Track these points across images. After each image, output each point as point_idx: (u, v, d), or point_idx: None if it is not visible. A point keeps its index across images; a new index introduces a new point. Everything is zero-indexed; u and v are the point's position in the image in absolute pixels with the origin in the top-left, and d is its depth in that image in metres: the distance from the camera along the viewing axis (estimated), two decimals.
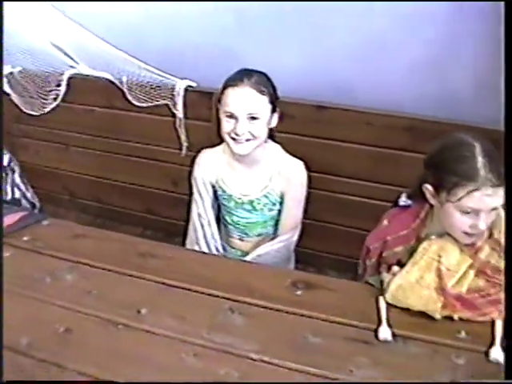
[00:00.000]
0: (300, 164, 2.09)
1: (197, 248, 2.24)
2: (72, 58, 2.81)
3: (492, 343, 1.61)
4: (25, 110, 2.92)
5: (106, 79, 2.81)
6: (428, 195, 1.67)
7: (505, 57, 1.34)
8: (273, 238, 2.22)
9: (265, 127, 1.99)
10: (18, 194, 2.38)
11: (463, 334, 1.65)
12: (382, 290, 1.74)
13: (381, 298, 1.71)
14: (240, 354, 1.59)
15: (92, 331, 1.66)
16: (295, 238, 2.21)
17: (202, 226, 2.22)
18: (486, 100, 2.57)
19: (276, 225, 2.22)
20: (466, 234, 1.64)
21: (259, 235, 2.24)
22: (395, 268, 1.72)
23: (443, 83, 2.63)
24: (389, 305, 1.71)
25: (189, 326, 1.68)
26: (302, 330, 1.66)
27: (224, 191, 2.15)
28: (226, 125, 1.96)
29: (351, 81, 2.70)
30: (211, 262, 1.99)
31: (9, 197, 2.34)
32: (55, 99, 2.88)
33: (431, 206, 1.71)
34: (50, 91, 2.86)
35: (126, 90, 2.78)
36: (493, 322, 1.67)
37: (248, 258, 2.19)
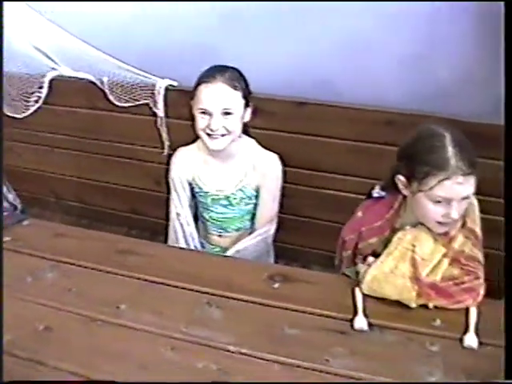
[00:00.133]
0: (275, 157, 2.11)
1: None
2: (53, 60, 2.81)
3: (466, 330, 1.62)
4: (7, 113, 2.92)
5: (88, 80, 2.81)
6: (400, 186, 1.69)
7: (505, 56, 1.36)
8: (250, 233, 2.23)
9: (239, 122, 2.01)
10: None
11: (438, 321, 1.67)
12: (358, 281, 1.75)
13: (357, 289, 1.73)
14: (218, 346, 1.61)
15: (72, 328, 1.67)
16: (272, 231, 2.23)
17: (181, 225, 2.23)
18: (470, 95, 2.60)
19: (253, 219, 2.24)
20: (439, 223, 1.65)
21: (237, 230, 2.26)
22: (370, 259, 1.74)
23: (428, 79, 2.65)
24: (365, 295, 1.73)
25: (167, 320, 1.69)
26: (279, 322, 1.68)
27: (200, 188, 2.17)
28: (201, 121, 1.98)
29: (336, 78, 2.72)
30: (190, 257, 2.01)
31: None
32: (37, 101, 2.87)
33: (404, 196, 1.73)
34: (32, 93, 2.87)
35: (107, 91, 2.79)
36: (467, 310, 1.68)
37: (227, 255, 2.19)
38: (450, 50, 2.57)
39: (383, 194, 1.79)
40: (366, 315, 1.67)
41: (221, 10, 2.75)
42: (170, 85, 2.73)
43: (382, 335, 1.63)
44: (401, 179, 1.67)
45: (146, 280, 1.84)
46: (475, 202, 1.77)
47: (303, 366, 1.55)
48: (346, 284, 1.79)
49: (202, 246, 2.33)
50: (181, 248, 2.19)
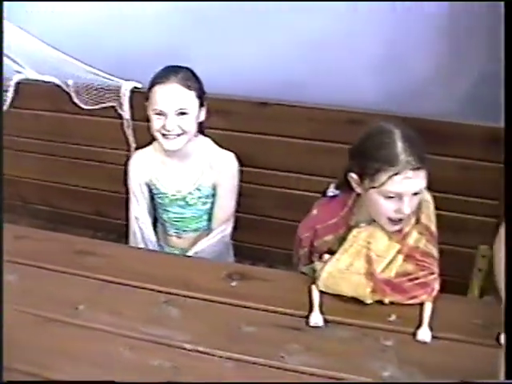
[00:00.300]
0: (231, 156, 2.13)
1: None
2: (18, 63, 2.80)
3: (420, 324, 1.64)
4: None
5: (53, 83, 2.80)
6: (353, 184, 1.71)
7: (505, 56, 1.38)
8: (208, 233, 2.23)
9: (194, 122, 2.02)
10: None
11: (393, 317, 1.69)
12: (314, 279, 1.76)
13: (313, 286, 1.75)
14: (174, 345, 1.62)
15: (31, 330, 1.67)
16: (229, 229, 2.25)
17: (140, 228, 2.24)
18: (436, 94, 2.63)
19: (211, 219, 2.24)
20: (391, 220, 1.67)
21: (195, 230, 2.26)
22: (326, 256, 1.75)
23: (395, 79, 2.67)
24: (321, 292, 1.74)
25: (125, 320, 1.70)
26: (236, 319, 1.69)
27: (158, 189, 2.18)
28: (156, 122, 1.98)
29: (303, 79, 2.73)
30: (149, 257, 2.02)
31: None
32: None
33: (358, 194, 1.74)
34: None
35: (72, 94, 2.79)
36: (422, 305, 1.70)
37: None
38: (417, 51, 2.60)
39: (337, 192, 1.80)
40: (321, 312, 1.68)
41: (186, 11, 2.76)
42: (135, 87, 2.73)
43: (337, 331, 1.65)
44: (353, 177, 1.69)
45: (104, 280, 1.84)
46: (430, 199, 1.79)
47: (258, 363, 1.56)
48: (303, 281, 1.80)
49: (162, 249, 2.31)
50: (139, 248, 2.18)
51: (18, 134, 3.12)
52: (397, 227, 1.70)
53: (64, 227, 3.09)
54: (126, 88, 2.70)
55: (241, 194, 2.65)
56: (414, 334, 1.63)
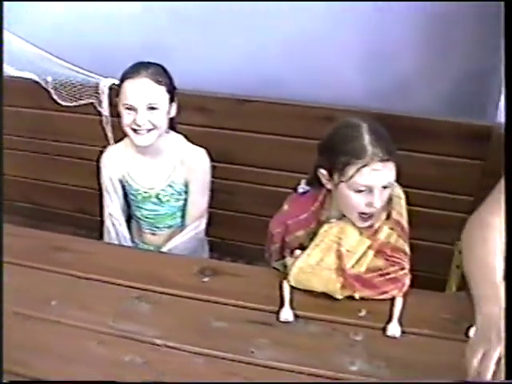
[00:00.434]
0: (202, 152, 2.13)
1: None
2: None
3: (390, 319, 1.65)
4: None
5: (32, 80, 2.80)
6: (323, 180, 1.71)
7: (505, 56, 1.38)
8: (182, 230, 2.23)
9: (164, 117, 2.03)
10: None
11: (364, 312, 1.70)
12: (286, 274, 1.76)
13: (285, 282, 1.75)
14: (144, 340, 1.62)
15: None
16: (203, 226, 2.25)
17: (114, 225, 2.24)
18: (419, 92, 2.64)
19: (184, 216, 2.24)
20: (362, 216, 1.68)
21: (169, 227, 2.27)
22: (297, 252, 1.76)
23: (378, 76, 2.69)
24: (293, 288, 1.75)
25: (96, 315, 1.70)
26: (207, 315, 1.69)
27: (130, 186, 2.18)
28: (126, 117, 1.99)
29: (284, 77, 2.74)
30: (122, 253, 2.02)
31: None
32: None
33: (329, 190, 1.75)
34: None
35: (51, 90, 2.78)
36: (393, 300, 1.71)
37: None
38: (399, 48, 2.61)
39: (307, 188, 1.81)
40: (292, 307, 1.68)
41: (167, 9, 2.76)
42: (114, 84, 2.73)
43: (307, 326, 1.65)
44: (323, 173, 1.69)
45: (77, 276, 1.84)
46: (401, 195, 1.79)
47: (228, 358, 1.56)
48: (275, 277, 1.80)
49: (136, 246, 2.31)
50: (114, 244, 2.19)
51: None
52: (367, 223, 1.71)
53: (46, 224, 3.09)
54: (104, 85, 2.70)
55: (220, 191, 2.68)
56: (384, 329, 1.63)
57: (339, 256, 1.70)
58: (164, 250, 2.20)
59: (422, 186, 2.54)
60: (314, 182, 1.76)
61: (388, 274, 1.71)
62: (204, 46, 2.79)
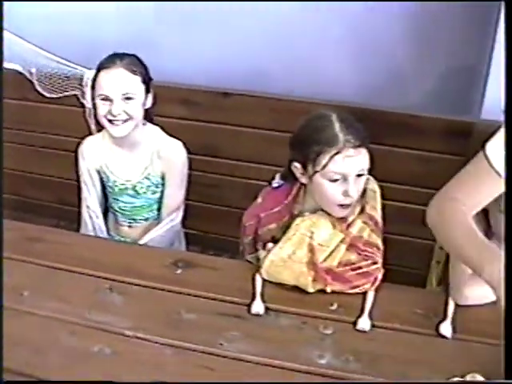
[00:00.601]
0: (179, 144, 2.13)
1: None
2: None
3: (361, 313, 1.64)
4: None
5: (16, 71, 2.79)
6: (298, 174, 1.71)
7: (505, 57, 1.38)
8: (159, 223, 2.23)
9: (140, 107, 2.03)
10: None
11: (335, 306, 1.69)
12: (258, 267, 1.76)
13: (257, 275, 1.75)
14: (114, 331, 1.62)
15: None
16: (179, 218, 2.24)
17: (91, 217, 2.24)
18: (405, 88, 2.64)
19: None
20: (339, 205, 1.68)
21: (146, 220, 2.27)
22: (270, 245, 1.76)
23: (364, 71, 2.69)
24: (265, 281, 1.74)
25: (68, 306, 1.69)
26: (178, 306, 1.69)
27: (108, 177, 2.17)
28: (102, 108, 1.98)
29: (270, 71, 2.73)
30: (97, 245, 2.02)
31: None
32: None
33: (303, 184, 1.75)
34: None
35: (35, 82, 2.77)
36: (365, 294, 1.70)
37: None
38: (385, 44, 2.61)
39: (281, 182, 1.80)
40: (263, 300, 1.68)
41: (154, 2, 2.75)
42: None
43: (278, 319, 1.65)
44: (296, 166, 1.69)
45: (50, 267, 1.84)
46: (377, 189, 1.79)
47: (197, 350, 1.56)
48: (248, 270, 1.80)
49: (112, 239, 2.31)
50: (89, 236, 2.18)
51: None
52: (346, 212, 1.71)
53: (29, 216, 3.08)
54: (88, 77, 2.68)
55: (204, 184, 2.68)
56: (355, 323, 1.63)
57: (311, 249, 1.69)
58: (141, 242, 2.19)
59: (404, 182, 2.54)
60: (288, 176, 1.76)
61: (360, 268, 1.70)
62: (189, 38, 2.79)
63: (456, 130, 2.45)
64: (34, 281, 1.79)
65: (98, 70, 2.00)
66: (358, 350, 1.56)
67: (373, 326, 1.63)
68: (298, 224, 1.73)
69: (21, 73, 2.79)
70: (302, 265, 1.69)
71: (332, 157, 1.62)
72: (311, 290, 1.70)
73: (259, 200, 1.83)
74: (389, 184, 2.52)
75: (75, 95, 2.75)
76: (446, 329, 1.61)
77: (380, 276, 1.73)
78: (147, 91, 2.03)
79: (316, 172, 1.65)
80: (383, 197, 2.25)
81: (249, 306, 1.68)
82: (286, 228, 1.75)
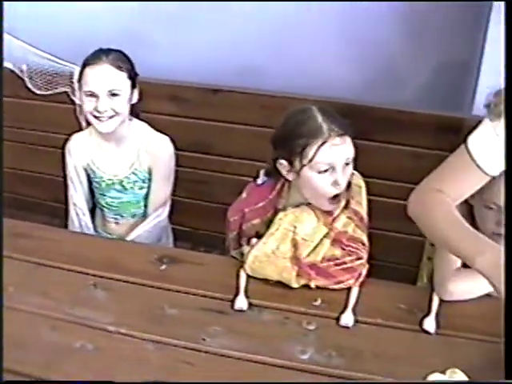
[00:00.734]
0: (165, 139, 2.13)
1: None
2: None
3: (344, 309, 1.64)
4: None
5: (8, 69, 2.79)
6: (284, 172, 1.70)
7: (505, 57, 1.38)
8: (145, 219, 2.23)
9: (126, 103, 2.03)
10: None
11: (319, 301, 1.69)
12: (243, 262, 1.75)
13: (241, 270, 1.75)
14: (97, 326, 1.62)
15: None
16: (165, 214, 2.24)
17: (77, 215, 2.24)
18: (396, 83, 2.64)
19: None
20: (330, 198, 1.69)
21: (133, 216, 2.27)
22: (253, 240, 1.75)
23: (356, 67, 2.69)
24: (249, 276, 1.74)
25: (52, 301, 1.70)
26: (161, 302, 1.69)
27: (94, 173, 2.17)
28: (88, 104, 1.98)
29: (262, 67, 2.73)
30: (83, 241, 2.02)
31: None
32: None
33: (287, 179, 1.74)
34: None
35: (26, 79, 2.77)
36: (349, 289, 1.70)
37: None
38: (376, 40, 2.60)
39: (265, 179, 1.79)
40: (247, 295, 1.68)
41: None
42: None
43: (261, 315, 1.65)
44: (282, 163, 1.68)
45: (37, 263, 1.84)
46: (362, 184, 1.79)
47: (179, 345, 1.56)
48: (233, 265, 1.80)
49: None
50: (75, 232, 2.18)
51: None
52: (335, 206, 1.72)
53: (21, 213, 3.08)
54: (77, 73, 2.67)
55: (194, 181, 2.67)
56: (338, 319, 1.63)
57: (295, 244, 1.69)
58: (128, 239, 2.18)
59: (395, 178, 2.53)
60: (273, 172, 1.75)
61: (344, 263, 1.70)
62: (180, 35, 2.78)
63: (446, 126, 2.44)
64: (20, 277, 1.79)
65: (84, 65, 1.99)
66: (340, 345, 1.56)
67: (356, 321, 1.63)
68: (281, 219, 1.72)
69: (12, 70, 2.78)
70: (285, 260, 1.69)
71: (319, 147, 1.62)
72: (295, 285, 1.70)
73: (244, 195, 1.83)
74: (379, 180, 2.54)
75: (66, 92, 2.74)
76: (429, 324, 1.60)
77: (364, 272, 1.73)
78: (133, 87, 2.03)
79: (304, 166, 1.64)
80: (374, 193, 2.26)
81: (232, 301, 1.68)
82: (269, 223, 1.74)
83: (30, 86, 2.78)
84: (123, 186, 2.17)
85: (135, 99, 2.06)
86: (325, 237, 1.72)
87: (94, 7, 2.80)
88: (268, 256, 1.70)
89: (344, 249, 1.70)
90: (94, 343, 1.56)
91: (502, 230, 1.70)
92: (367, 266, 1.74)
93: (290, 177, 1.71)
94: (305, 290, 1.72)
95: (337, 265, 1.70)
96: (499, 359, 1.33)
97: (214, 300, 1.70)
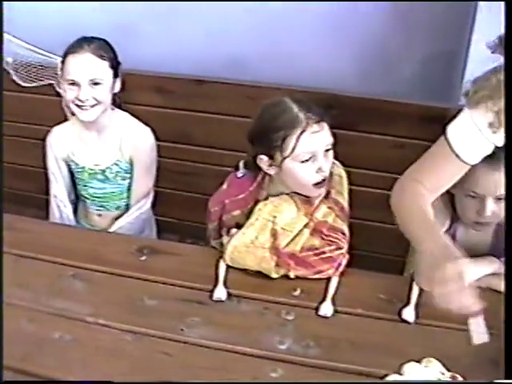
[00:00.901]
0: (146, 130, 2.13)
1: None
2: None
3: (324, 299, 1.64)
4: None
5: None
6: (265, 167, 1.71)
7: (505, 57, 1.37)
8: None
9: (108, 92, 2.03)
10: None
11: (298, 291, 1.69)
12: (223, 253, 1.75)
13: (221, 261, 1.74)
14: (75, 317, 1.61)
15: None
16: (148, 205, 2.24)
17: (58, 206, 2.24)
18: (383, 74, 2.63)
19: None
20: (315, 184, 1.69)
21: (117, 208, 2.26)
22: (233, 230, 1.75)
23: (343, 58, 2.68)
24: (229, 266, 1.74)
25: (30, 293, 1.69)
26: (140, 293, 1.69)
27: (77, 164, 2.17)
28: (70, 93, 1.98)
29: (249, 57, 2.72)
30: (64, 232, 2.01)
31: None
32: None
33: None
34: None
35: (11, 71, 2.75)
36: (328, 279, 1.69)
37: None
38: (364, 29, 2.59)
39: (245, 172, 1.79)
40: (226, 286, 1.67)
41: None
42: None
43: (240, 305, 1.65)
44: (263, 159, 1.68)
45: (17, 254, 1.83)
46: (344, 175, 1.79)
47: (157, 336, 1.55)
48: (213, 256, 1.80)
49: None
50: (56, 224, 2.18)
51: None
52: (322, 190, 1.72)
53: (8, 206, 3.05)
54: None
55: (180, 172, 2.66)
56: (317, 309, 1.62)
57: (274, 234, 1.68)
58: (110, 231, 2.18)
59: (379, 168, 2.53)
60: (253, 168, 1.74)
61: (324, 253, 1.70)
62: (167, 27, 2.77)
63: (431, 116, 2.44)
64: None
65: (66, 54, 1.99)
66: (318, 335, 1.56)
67: (335, 311, 1.63)
68: (260, 209, 1.72)
69: None
70: (264, 250, 1.68)
71: (299, 137, 1.62)
72: (274, 275, 1.70)
73: (224, 186, 1.82)
74: (364, 170, 2.53)
75: (51, 84, 2.72)
76: (408, 314, 1.60)
77: (345, 262, 1.72)
78: (115, 76, 2.03)
79: (285, 158, 1.64)
80: (359, 183, 2.26)
81: (211, 291, 1.66)
82: (249, 213, 1.73)
83: (15, 78, 2.75)
84: (106, 175, 2.16)
85: (117, 88, 2.06)
86: (305, 227, 1.71)
87: (80, 1, 2.77)
88: (247, 246, 1.69)
89: (324, 239, 1.70)
90: (72, 334, 1.56)
91: (483, 219, 1.70)
92: (347, 256, 1.73)
93: (272, 171, 1.70)
94: (284, 280, 1.71)
95: (316, 255, 1.69)
96: (477, 349, 1.35)
97: (194, 290, 1.70)
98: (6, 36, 2.63)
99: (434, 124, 2.39)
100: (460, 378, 1.34)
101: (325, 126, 1.64)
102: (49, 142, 2.20)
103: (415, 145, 2.51)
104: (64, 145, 2.17)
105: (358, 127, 2.50)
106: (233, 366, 1.48)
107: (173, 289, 1.70)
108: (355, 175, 2.40)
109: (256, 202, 1.76)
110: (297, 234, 1.71)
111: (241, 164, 1.81)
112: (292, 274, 1.70)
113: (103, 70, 1.99)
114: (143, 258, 1.81)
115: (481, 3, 2.16)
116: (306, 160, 1.64)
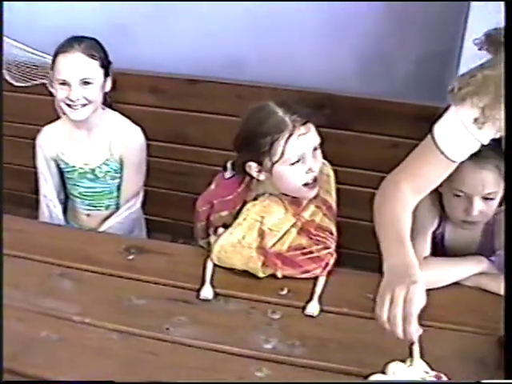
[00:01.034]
0: (137, 130, 2.13)
1: None
2: None
3: (310, 298, 1.63)
4: None
5: None
6: (254, 173, 1.71)
7: (505, 57, 1.38)
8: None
9: (99, 91, 2.03)
10: None
11: (285, 291, 1.69)
12: (210, 252, 1.75)
13: (208, 260, 1.74)
14: (62, 316, 1.61)
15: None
16: (137, 205, 2.24)
17: (48, 206, 2.24)
18: (377, 74, 2.62)
19: None
20: (307, 185, 1.69)
21: (106, 208, 2.26)
22: (220, 230, 1.75)
23: (338, 57, 2.68)
24: (216, 266, 1.73)
25: (18, 292, 1.69)
26: (128, 292, 1.69)
27: (67, 163, 2.17)
28: (60, 92, 1.98)
29: (243, 57, 2.72)
30: (52, 232, 2.02)
31: None
32: None
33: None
34: None
35: (4, 71, 2.76)
36: (316, 279, 1.69)
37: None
38: (359, 30, 2.59)
39: (233, 173, 1.78)
40: (213, 285, 1.67)
41: None
42: None
43: (226, 304, 1.65)
44: (252, 165, 1.68)
45: (5, 254, 1.81)
46: (331, 174, 1.78)
47: (143, 335, 1.55)
48: (200, 255, 1.80)
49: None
50: (45, 223, 2.19)
51: None
52: (315, 190, 1.72)
53: (10, 207, 3.06)
54: None
55: (173, 172, 2.66)
56: (304, 308, 1.62)
57: (261, 234, 1.68)
58: (99, 230, 2.18)
59: (373, 167, 2.53)
60: (242, 173, 1.74)
61: (311, 252, 1.69)
62: (162, 27, 2.77)
63: (425, 116, 2.40)
64: None
65: (57, 53, 1.99)
66: (304, 334, 1.55)
67: (322, 310, 1.63)
68: (248, 209, 1.72)
69: None
70: (251, 250, 1.68)
71: (286, 141, 1.62)
72: (261, 274, 1.70)
73: (212, 187, 1.82)
74: (358, 170, 2.53)
75: (44, 84, 2.72)
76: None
77: (332, 261, 1.72)
78: (106, 75, 2.03)
79: (275, 163, 1.63)
80: (352, 183, 2.26)
81: (198, 291, 1.66)
82: (237, 213, 1.73)
83: (7, 77, 2.76)
84: (95, 175, 2.16)
85: (108, 87, 2.05)
86: (292, 226, 1.70)
87: (73, 1, 2.77)
88: (234, 246, 1.69)
89: (311, 238, 1.70)
90: (58, 333, 1.56)
91: (471, 218, 1.70)
92: (335, 255, 1.73)
93: (262, 176, 1.70)
94: (271, 279, 1.72)
95: (303, 254, 1.69)
96: (464, 348, 1.39)
97: (180, 290, 1.70)
98: None
99: (428, 123, 2.38)
100: (444, 378, 1.33)
101: (311, 127, 1.64)
102: (39, 141, 2.19)
103: (409, 144, 2.49)
104: (54, 144, 2.16)
105: (352, 127, 2.50)
106: (218, 365, 1.48)
107: (160, 288, 1.71)
108: (349, 175, 2.42)
109: (244, 203, 1.74)
110: (284, 234, 1.70)
111: (228, 165, 1.79)
112: (279, 274, 1.69)
113: (94, 69, 1.99)
114: (131, 257, 1.81)
115: (474, 3, 2.15)
116: (296, 162, 1.64)
